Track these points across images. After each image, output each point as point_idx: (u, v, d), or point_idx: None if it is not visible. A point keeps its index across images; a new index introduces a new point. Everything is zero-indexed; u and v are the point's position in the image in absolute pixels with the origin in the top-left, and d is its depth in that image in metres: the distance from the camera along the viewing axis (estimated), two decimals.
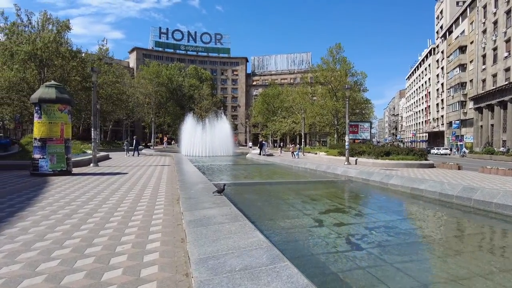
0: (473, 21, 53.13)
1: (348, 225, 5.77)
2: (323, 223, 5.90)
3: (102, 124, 54.21)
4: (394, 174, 10.47)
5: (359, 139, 43.65)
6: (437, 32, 79.58)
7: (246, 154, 32.53)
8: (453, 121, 57.29)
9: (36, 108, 10.88)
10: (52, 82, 11.55)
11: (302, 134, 38.65)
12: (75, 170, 12.98)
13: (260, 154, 28.28)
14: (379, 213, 6.88)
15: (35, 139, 10.89)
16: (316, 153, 29.17)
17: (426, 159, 19.55)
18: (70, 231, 4.31)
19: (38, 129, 10.82)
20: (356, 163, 19.30)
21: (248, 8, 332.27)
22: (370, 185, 10.39)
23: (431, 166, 18.10)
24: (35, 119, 10.93)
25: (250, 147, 50.82)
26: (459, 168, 16.78)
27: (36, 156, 10.79)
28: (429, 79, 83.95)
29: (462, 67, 56.86)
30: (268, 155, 29.05)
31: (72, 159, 15.50)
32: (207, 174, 11.44)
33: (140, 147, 34.65)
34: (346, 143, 19.11)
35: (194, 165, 14.45)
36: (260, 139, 48.31)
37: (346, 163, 18.82)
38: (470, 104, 53.14)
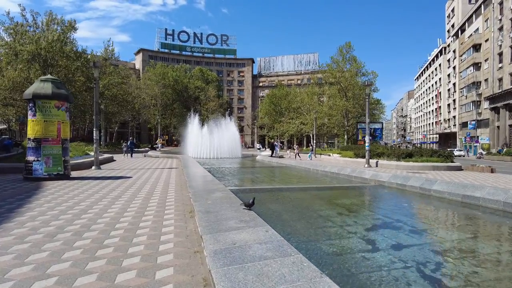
0: (488, 18, 51.33)
1: (410, 248, 4.47)
2: (377, 245, 4.61)
3: (107, 126, 53.52)
4: (437, 179, 9.11)
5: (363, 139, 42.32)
6: (448, 31, 77.70)
7: (254, 156, 31.31)
8: (468, 122, 55.35)
9: (30, 105, 9.75)
10: (48, 76, 10.44)
11: (314, 135, 37.28)
12: (75, 173, 11.89)
13: (272, 155, 27.06)
14: (439, 229, 5.56)
15: (29, 139, 9.77)
16: (329, 155, 27.81)
17: (452, 161, 18.12)
18: (47, 264, 3.08)
19: (32, 128, 9.69)
20: (377, 166, 17.95)
21: (253, 10, 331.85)
22: (408, 192, 9.04)
23: (459, 168, 16.67)
24: (29, 117, 9.80)
25: (259, 148, 49.53)
26: (492, 171, 15.32)
27: (30, 158, 9.65)
28: (439, 79, 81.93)
29: (476, 66, 55.01)
30: (279, 157, 27.83)
31: (74, 161, 14.46)
32: (218, 178, 10.18)
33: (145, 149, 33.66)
34: (367, 144, 17.76)
35: (204, 168, 13.25)
36: (272, 141, 46.95)
37: (366, 165, 17.49)
38: (485, 104, 51.27)
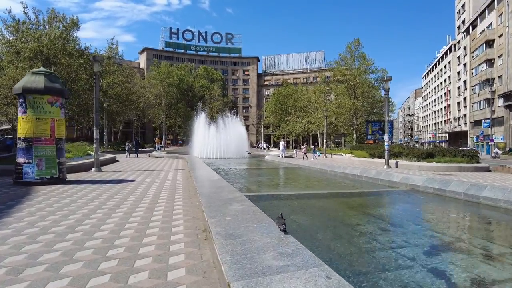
0: (502, 13, 49.62)
1: (504, 285, 3.32)
2: (454, 279, 3.45)
3: (112, 125, 52.76)
4: (487, 184, 7.86)
5: (372, 138, 41.44)
6: (458, 27, 75.82)
7: (262, 156, 30.20)
8: (483, 120, 53.58)
9: (20, 100, 8.72)
10: (41, 68, 9.41)
11: (324, 134, 35.99)
12: (73, 176, 10.87)
13: (280, 156, 25.94)
14: None
15: (19, 139, 8.73)
16: (341, 155, 26.58)
17: (478, 161, 16.85)
18: None
19: (23, 126, 8.66)
20: (396, 166, 16.74)
21: (258, 10, 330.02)
22: (449, 198, 7.84)
23: (487, 169, 15.43)
24: (19, 114, 8.78)
25: (265, 148, 48.38)
26: None
27: (20, 160, 8.62)
28: (449, 76, 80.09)
29: (490, 62, 53.30)
30: (287, 157, 26.69)
31: (73, 163, 13.46)
32: (228, 181, 9.07)
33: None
34: (386, 144, 16.55)
35: (212, 169, 12.16)
36: (277, 140, 45.81)
37: (385, 166, 16.30)
38: (499, 102, 49.61)
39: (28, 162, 8.58)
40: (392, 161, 17.40)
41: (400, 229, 5.37)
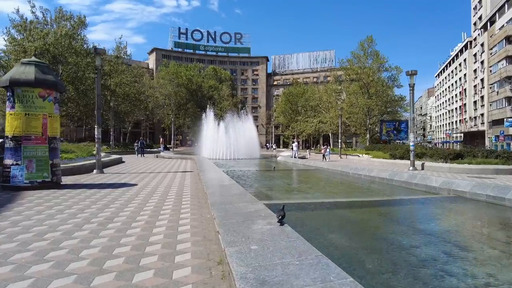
0: None
1: None
2: None
3: (121, 126, 52.28)
4: None
5: (386, 139, 40.10)
6: (474, 24, 73.29)
7: (273, 156, 28.98)
8: (505, 119, 51.21)
9: (8, 94, 7.72)
10: (32, 58, 8.40)
11: (339, 134, 34.44)
12: (71, 178, 9.90)
13: (294, 156, 24.67)
14: None
15: (7, 137, 7.71)
16: (358, 156, 25.18)
17: None
18: None
19: (10, 123, 7.64)
20: (422, 168, 15.32)
21: (267, 10, 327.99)
22: (510, 209, 6.52)
23: None
24: (7, 110, 7.78)
25: (274, 148, 47.20)
26: None
27: (8, 161, 7.60)
28: (464, 75, 77.41)
29: (510, 59, 51.00)
30: (301, 157, 25.41)
31: (73, 164, 12.53)
32: (242, 185, 7.88)
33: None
34: (411, 144, 15.15)
35: (223, 171, 11.01)
36: (294, 140, 44.36)
37: (411, 168, 14.90)
38: None
39: (17, 164, 7.56)
40: (418, 163, 15.98)
41: (472, 254, 4.11)
